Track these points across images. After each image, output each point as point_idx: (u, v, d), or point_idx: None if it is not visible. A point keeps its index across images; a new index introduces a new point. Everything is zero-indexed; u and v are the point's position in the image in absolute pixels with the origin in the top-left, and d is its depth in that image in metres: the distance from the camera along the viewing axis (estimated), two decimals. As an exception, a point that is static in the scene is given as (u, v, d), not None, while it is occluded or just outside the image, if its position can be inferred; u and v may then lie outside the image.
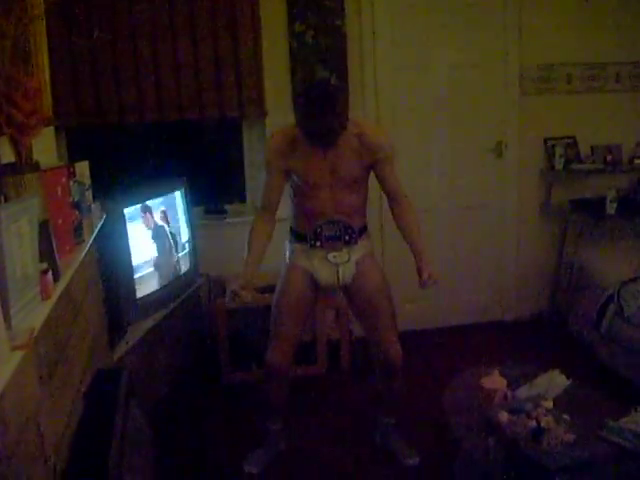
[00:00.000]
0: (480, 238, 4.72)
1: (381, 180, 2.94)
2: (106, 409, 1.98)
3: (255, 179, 4.45)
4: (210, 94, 4.01)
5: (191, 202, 4.02)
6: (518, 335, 4.60)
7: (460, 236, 4.66)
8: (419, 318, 4.62)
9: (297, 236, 2.98)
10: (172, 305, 3.75)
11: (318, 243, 2.88)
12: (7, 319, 1.44)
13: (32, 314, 1.58)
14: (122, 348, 3.20)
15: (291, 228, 3.03)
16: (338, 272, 2.92)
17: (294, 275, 2.99)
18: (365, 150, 2.80)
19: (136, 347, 3.29)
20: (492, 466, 2.38)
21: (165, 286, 3.74)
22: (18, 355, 1.38)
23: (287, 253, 3.05)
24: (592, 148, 4.64)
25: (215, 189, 4.64)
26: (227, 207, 4.46)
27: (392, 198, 2.99)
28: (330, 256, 2.89)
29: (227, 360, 3.96)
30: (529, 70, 4.51)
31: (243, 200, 4.54)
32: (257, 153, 4.39)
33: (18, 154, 1.83)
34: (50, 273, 1.77)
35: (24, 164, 1.82)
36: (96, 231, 2.58)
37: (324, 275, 2.94)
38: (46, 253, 1.81)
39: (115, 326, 3.22)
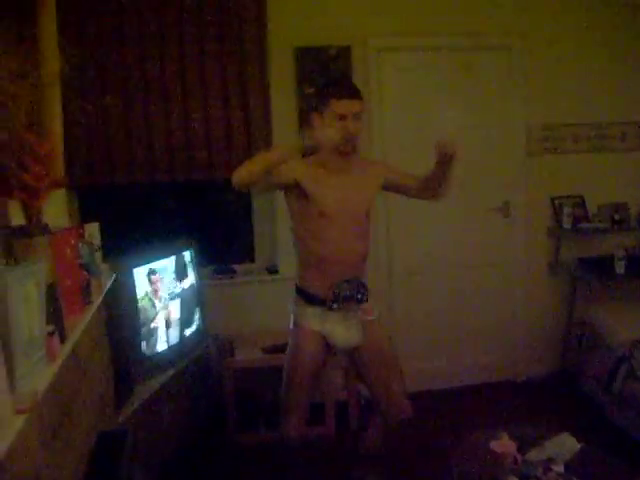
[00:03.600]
0: (488, 297, 4.71)
1: (400, 184, 2.97)
2: (109, 473, 1.96)
3: (264, 239, 4.49)
4: (220, 155, 4.06)
5: (200, 262, 4.05)
6: (529, 396, 4.54)
7: (468, 295, 4.65)
8: (428, 378, 4.58)
9: (308, 298, 2.84)
10: (180, 365, 3.73)
11: (335, 305, 2.76)
12: (12, 382, 1.45)
13: (37, 377, 1.59)
14: (129, 408, 3.17)
15: (298, 288, 2.88)
16: (353, 333, 2.84)
17: (307, 342, 2.85)
18: (372, 172, 2.89)
19: (143, 407, 3.26)
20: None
21: (173, 346, 3.73)
22: (21, 419, 1.38)
23: (293, 317, 2.92)
24: (599, 207, 4.66)
25: (224, 249, 4.67)
26: (236, 267, 4.47)
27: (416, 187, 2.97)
28: (349, 315, 2.81)
29: (235, 421, 3.93)
30: (535, 130, 4.57)
31: (252, 260, 4.56)
32: (265, 213, 4.43)
33: (28, 217, 1.86)
34: (56, 335, 1.78)
35: (34, 227, 1.85)
36: (104, 292, 2.60)
37: (341, 338, 2.83)
38: (53, 315, 1.82)
39: (122, 386, 3.20)
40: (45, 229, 1.90)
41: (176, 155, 4.01)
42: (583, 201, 4.68)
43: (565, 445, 2.69)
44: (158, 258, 3.62)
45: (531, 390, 4.64)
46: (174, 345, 3.74)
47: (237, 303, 4.29)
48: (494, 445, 2.63)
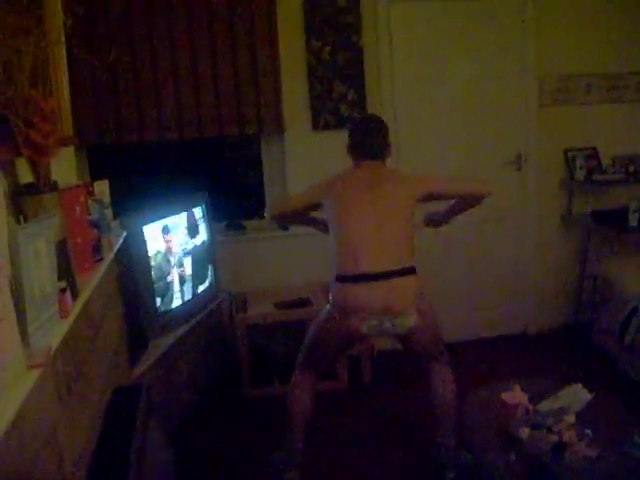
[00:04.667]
0: (501, 250, 4.69)
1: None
2: (125, 427, 1.99)
3: (274, 195, 4.47)
4: (229, 111, 4.05)
5: (211, 219, 4.05)
6: (541, 348, 4.56)
7: (481, 249, 4.64)
8: (444, 332, 4.57)
9: None
10: (193, 321, 3.76)
11: None
12: (25, 338, 1.46)
13: (50, 333, 1.60)
14: (143, 364, 3.21)
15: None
16: None
17: None
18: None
19: (157, 363, 3.30)
20: (514, 482, 2.35)
21: (186, 302, 3.76)
22: (35, 374, 1.40)
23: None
24: (613, 159, 4.60)
25: (235, 205, 4.67)
26: (246, 223, 4.47)
27: None
28: None
29: (249, 375, 3.97)
30: (548, 81, 4.50)
31: (262, 216, 4.55)
32: (276, 169, 4.41)
33: (36, 175, 1.85)
34: (68, 291, 1.78)
35: (42, 184, 1.84)
36: (115, 249, 2.60)
37: None
38: (64, 271, 1.82)
39: (136, 342, 3.23)
40: (54, 186, 1.89)
41: (185, 113, 3.99)
42: (596, 153, 4.63)
43: (576, 396, 2.71)
44: (169, 215, 3.62)
45: (543, 343, 4.66)
46: (188, 301, 3.77)
47: (249, 259, 4.30)
48: (506, 396, 2.64)
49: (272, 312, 3.99)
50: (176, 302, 3.67)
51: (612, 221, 4.47)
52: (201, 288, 3.92)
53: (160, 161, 4.63)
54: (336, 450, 3.41)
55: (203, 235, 3.94)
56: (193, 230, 3.85)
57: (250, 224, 4.48)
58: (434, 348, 3.08)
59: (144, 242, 3.36)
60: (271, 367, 4.02)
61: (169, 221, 3.61)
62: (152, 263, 3.43)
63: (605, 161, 4.61)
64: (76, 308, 1.82)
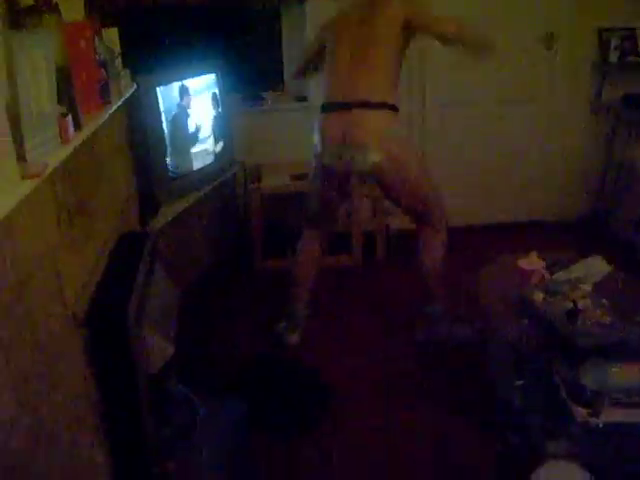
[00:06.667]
0: (526, 133, 4.54)
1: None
2: (129, 266, 1.95)
3: (293, 66, 4.31)
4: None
5: (228, 88, 3.91)
6: (560, 234, 4.48)
7: (506, 131, 4.49)
8: (462, 215, 4.48)
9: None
10: (206, 189, 3.69)
11: None
12: (21, 152, 1.39)
13: (49, 153, 1.53)
14: (153, 227, 3.16)
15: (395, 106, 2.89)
16: None
17: None
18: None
19: (168, 228, 3.25)
20: (526, 346, 2.32)
21: (199, 170, 3.67)
22: (30, 184, 1.34)
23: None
24: (651, 41, 4.37)
25: (253, 76, 4.52)
26: (265, 94, 4.33)
27: None
28: None
29: (261, 246, 3.94)
30: (586, -48, 4.22)
31: (281, 88, 4.41)
32: (296, 40, 4.24)
33: (36, -4, 1.73)
34: (70, 118, 1.71)
35: (42, 4, 1.73)
36: (125, 96, 2.51)
37: None
38: (66, 99, 1.75)
39: (147, 204, 3.18)
40: (55, 8, 1.78)
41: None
42: (633, 34, 4.38)
43: (595, 267, 2.64)
44: (185, 78, 3.48)
45: (564, 229, 4.57)
46: (201, 169, 3.68)
47: (265, 131, 4.19)
48: (522, 262, 2.59)
49: (286, 183, 3.91)
50: (189, 168, 3.59)
51: (643, 106, 4.29)
52: (215, 157, 3.83)
53: (176, 28, 4.44)
54: (343, 322, 3.41)
55: (219, 105, 3.82)
56: (210, 99, 3.72)
57: (268, 96, 4.34)
58: (418, 205, 2.98)
59: (157, 103, 3.25)
60: (284, 239, 3.98)
61: (185, 84, 3.48)
62: (165, 126, 3.33)
63: (641, 43, 4.37)
64: (78, 138, 1.75)
